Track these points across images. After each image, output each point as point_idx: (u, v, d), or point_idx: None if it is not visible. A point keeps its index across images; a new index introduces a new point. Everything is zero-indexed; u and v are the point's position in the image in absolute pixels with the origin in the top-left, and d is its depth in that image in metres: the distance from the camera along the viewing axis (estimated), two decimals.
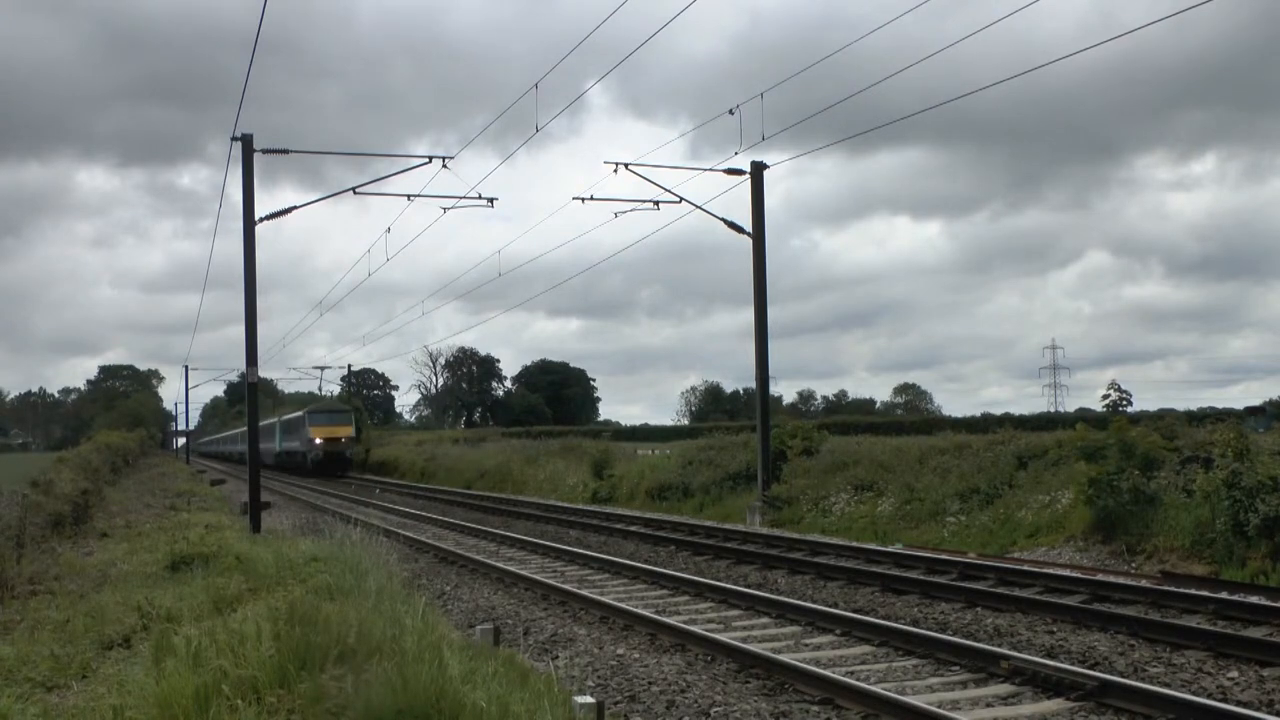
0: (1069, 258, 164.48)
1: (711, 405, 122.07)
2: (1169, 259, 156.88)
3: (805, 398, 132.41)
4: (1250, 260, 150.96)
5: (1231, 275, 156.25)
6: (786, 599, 12.83)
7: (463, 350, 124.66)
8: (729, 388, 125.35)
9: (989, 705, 8.17)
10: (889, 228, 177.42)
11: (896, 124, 39.20)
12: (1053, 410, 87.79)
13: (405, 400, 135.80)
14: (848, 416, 78.70)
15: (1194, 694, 8.06)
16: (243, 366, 23.04)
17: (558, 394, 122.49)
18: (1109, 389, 22.13)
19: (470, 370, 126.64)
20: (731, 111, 21.25)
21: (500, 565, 17.15)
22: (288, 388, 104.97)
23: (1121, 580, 13.61)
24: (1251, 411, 39.42)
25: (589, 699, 6.40)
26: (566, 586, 14.55)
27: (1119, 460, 16.96)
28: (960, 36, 39.93)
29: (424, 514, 29.70)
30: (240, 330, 22.68)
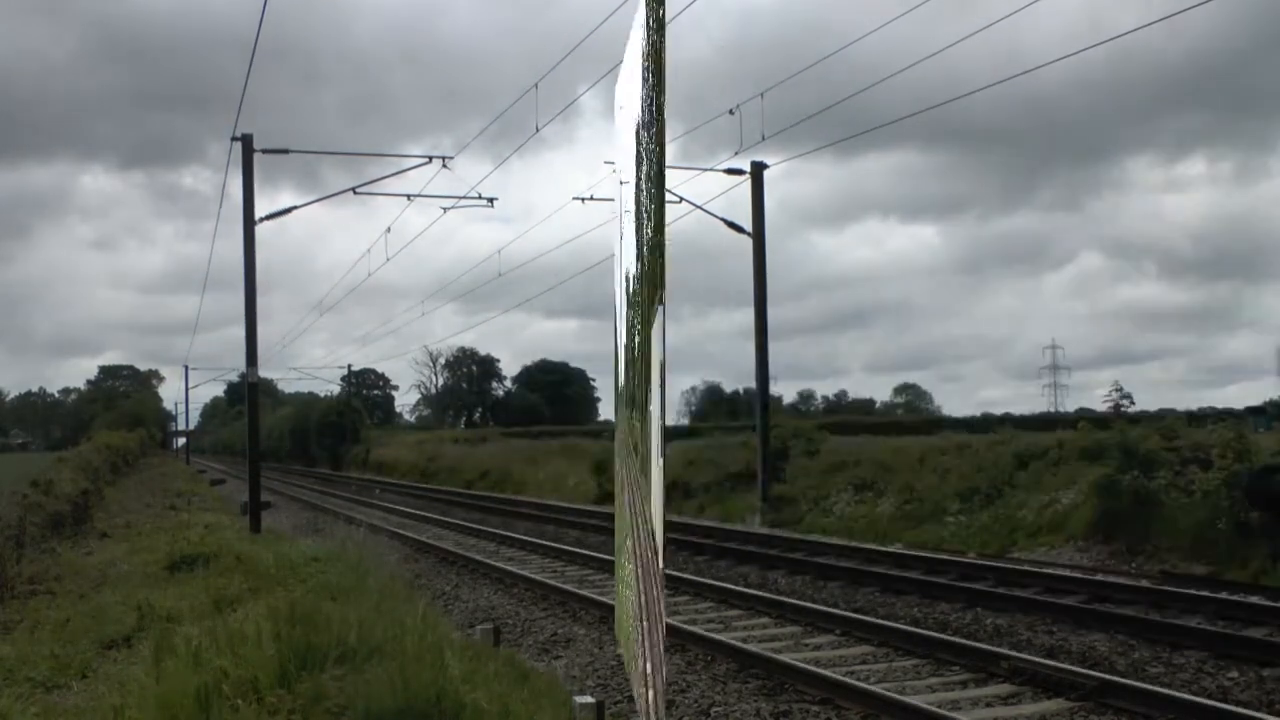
0: (1063, 259, 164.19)
1: (712, 405, 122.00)
2: (1162, 260, 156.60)
3: (805, 398, 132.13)
4: (1243, 261, 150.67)
5: (1224, 276, 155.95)
6: (786, 599, 12.84)
7: (462, 350, 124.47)
8: (729, 388, 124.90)
9: (989, 705, 8.18)
10: (883, 229, 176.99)
11: (888, 127, 38.97)
12: (1053, 410, 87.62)
13: (405, 400, 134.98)
14: (848, 416, 78.46)
15: (1194, 694, 8.07)
16: (243, 367, 23.03)
17: (558, 394, 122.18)
18: (1111, 390, 22.20)
19: (470, 370, 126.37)
20: (732, 112, 21.24)
21: (500, 565, 17.17)
22: (288, 388, 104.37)
23: (1122, 580, 13.64)
24: (1252, 411, 39.44)
25: (589, 699, 6.41)
26: (566, 586, 14.55)
27: (1121, 461, 16.98)
28: (951, 41, 39.90)
29: (424, 514, 29.70)
30: (240, 331, 22.62)
